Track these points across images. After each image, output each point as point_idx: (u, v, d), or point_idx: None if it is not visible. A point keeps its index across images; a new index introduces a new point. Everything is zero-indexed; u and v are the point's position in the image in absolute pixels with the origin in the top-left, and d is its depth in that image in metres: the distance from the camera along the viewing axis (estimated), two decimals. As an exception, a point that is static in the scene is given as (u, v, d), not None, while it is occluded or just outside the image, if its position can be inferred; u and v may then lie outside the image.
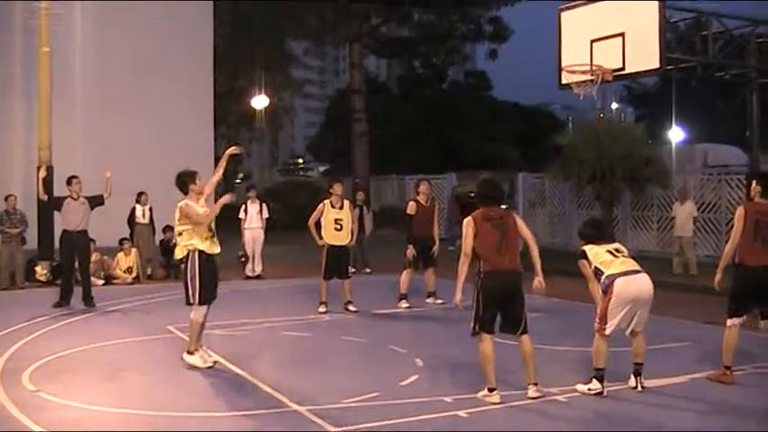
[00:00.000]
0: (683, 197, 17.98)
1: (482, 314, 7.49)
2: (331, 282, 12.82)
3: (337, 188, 12.89)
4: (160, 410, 7.26)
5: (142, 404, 7.44)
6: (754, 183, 8.67)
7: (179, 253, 9.16)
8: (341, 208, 12.78)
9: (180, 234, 9.01)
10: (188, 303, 9.05)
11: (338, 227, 12.70)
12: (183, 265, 9.24)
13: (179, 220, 8.94)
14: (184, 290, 9.03)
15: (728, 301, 8.36)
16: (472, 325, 7.57)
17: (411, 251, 13.32)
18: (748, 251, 8.20)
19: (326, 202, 12.80)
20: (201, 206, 9.07)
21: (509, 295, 7.51)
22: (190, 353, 8.99)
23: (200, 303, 8.96)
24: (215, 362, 9.05)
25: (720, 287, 8.44)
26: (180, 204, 8.98)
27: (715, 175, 20.39)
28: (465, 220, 7.63)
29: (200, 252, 8.92)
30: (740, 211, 8.40)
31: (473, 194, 10.27)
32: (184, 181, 9.15)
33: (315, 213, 12.78)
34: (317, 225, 12.80)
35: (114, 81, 23.34)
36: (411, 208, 13.50)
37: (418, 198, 13.58)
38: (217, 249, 9.15)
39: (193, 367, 8.87)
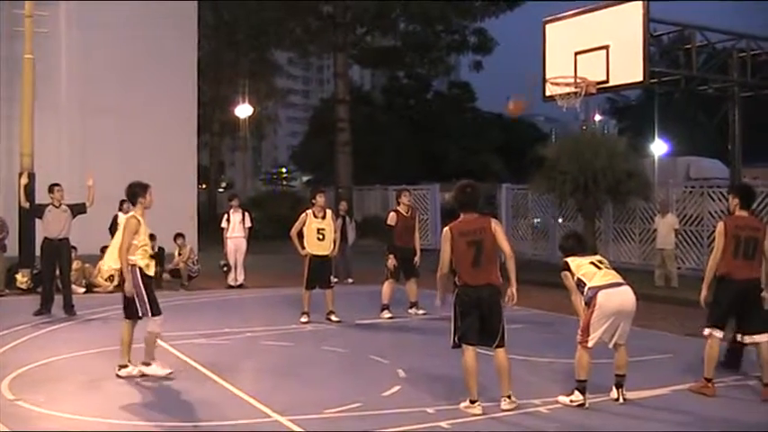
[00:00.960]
0: (663, 210, 18.06)
1: (460, 325, 7.47)
2: (314, 292, 12.79)
3: (320, 199, 12.86)
4: (140, 420, 7.22)
5: (122, 414, 7.40)
6: (731, 197, 8.76)
7: (115, 263, 9.01)
8: (323, 218, 12.76)
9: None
10: (135, 318, 8.90)
11: (320, 237, 12.69)
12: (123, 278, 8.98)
13: (124, 231, 8.80)
14: (131, 304, 8.85)
15: (709, 313, 8.39)
16: (451, 337, 7.56)
17: (392, 261, 13.33)
18: (730, 265, 8.25)
19: (309, 211, 12.78)
20: (144, 224, 8.95)
21: (485, 308, 7.45)
22: (146, 364, 8.85)
23: (154, 314, 8.87)
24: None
25: (706, 303, 8.46)
26: (130, 217, 8.88)
27: (697, 188, 20.49)
28: (443, 232, 7.61)
29: (140, 268, 8.84)
30: (720, 227, 8.46)
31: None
32: (135, 192, 9.05)
33: (297, 223, 12.76)
34: (300, 235, 12.78)
35: (98, 89, 23.26)
36: (391, 219, 13.52)
37: (399, 209, 13.59)
38: (152, 272, 9.09)
39: (176, 376, 8.83)
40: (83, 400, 7.97)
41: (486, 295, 7.45)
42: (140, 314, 8.87)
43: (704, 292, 8.46)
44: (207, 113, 38.85)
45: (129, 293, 8.80)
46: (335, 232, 13.24)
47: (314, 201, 12.90)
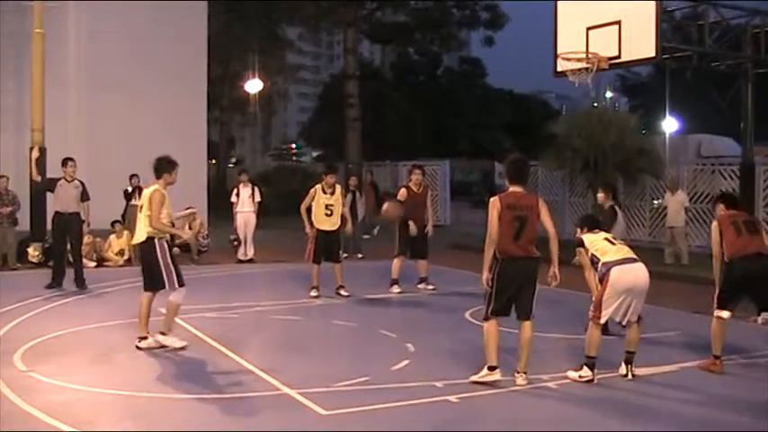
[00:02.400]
0: (673, 187, 18.00)
1: (496, 300, 7.49)
2: (324, 267, 12.82)
3: (329, 179, 12.84)
4: (150, 392, 7.27)
5: (133, 386, 7.44)
6: (717, 206, 8.94)
7: (142, 237, 9.07)
8: (332, 194, 12.77)
9: (148, 217, 8.90)
10: (155, 290, 9.03)
11: (328, 212, 12.71)
12: (143, 251, 9.14)
13: (151, 204, 8.86)
14: (152, 277, 8.95)
15: (719, 292, 8.38)
16: (485, 310, 7.57)
17: (413, 227, 13.29)
18: (734, 248, 8.25)
19: (318, 186, 12.82)
20: (168, 198, 9.07)
21: (523, 282, 7.50)
22: (163, 333, 9.00)
23: (181, 285, 9.00)
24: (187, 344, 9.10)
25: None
26: (155, 190, 8.94)
27: (708, 165, 20.41)
28: (490, 201, 7.58)
29: (167, 241, 9.03)
30: (714, 225, 8.59)
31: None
32: (163, 167, 9.11)
33: (307, 198, 12.77)
34: (308, 210, 12.80)
35: (107, 64, 23.20)
36: (402, 194, 13.53)
37: (410, 185, 13.58)
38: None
39: (181, 349, 8.94)
40: (93, 371, 8.03)
41: (525, 266, 7.49)
42: (166, 286, 8.95)
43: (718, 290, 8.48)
44: (216, 89, 38.78)
45: (161, 264, 8.86)
46: (344, 206, 13.26)
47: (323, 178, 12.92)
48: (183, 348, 8.93)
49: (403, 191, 13.61)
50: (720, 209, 8.73)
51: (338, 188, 12.98)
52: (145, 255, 9.08)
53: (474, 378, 7.55)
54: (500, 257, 7.47)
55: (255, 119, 53.61)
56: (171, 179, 9.14)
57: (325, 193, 12.74)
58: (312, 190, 12.82)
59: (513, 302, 7.56)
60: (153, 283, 9.02)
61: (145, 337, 8.99)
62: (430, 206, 13.99)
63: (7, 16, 21.51)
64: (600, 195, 10.35)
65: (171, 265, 8.94)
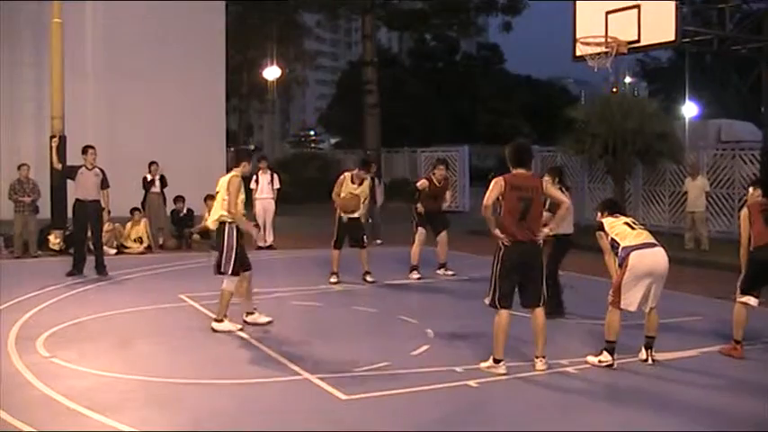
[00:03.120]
0: (694, 172, 17.90)
1: (501, 286, 7.44)
2: (344, 253, 12.85)
3: (361, 174, 12.88)
4: (171, 378, 7.31)
5: (154, 371, 7.49)
6: (752, 189, 8.85)
7: (214, 222, 9.32)
8: (359, 185, 12.79)
9: (225, 201, 9.17)
10: (218, 273, 9.27)
11: (352, 199, 12.78)
12: (215, 235, 9.44)
13: (229, 189, 9.10)
14: (218, 259, 9.23)
15: (742, 278, 8.35)
16: (490, 296, 7.53)
17: (420, 207, 13.38)
18: (762, 237, 8.22)
19: (347, 175, 12.88)
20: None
21: (528, 267, 7.48)
22: (218, 321, 9.21)
23: (232, 274, 9.21)
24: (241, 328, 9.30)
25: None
26: (234, 176, 9.22)
27: (728, 150, 20.27)
28: (494, 179, 7.53)
29: (237, 227, 9.22)
30: (744, 213, 8.52)
31: None
32: (241, 157, 9.68)
33: (336, 186, 12.79)
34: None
35: (126, 53, 23.26)
36: (422, 184, 13.57)
37: (433, 177, 13.60)
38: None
39: (207, 335, 9.00)
40: (114, 357, 8.08)
41: (529, 251, 7.47)
42: (221, 271, 9.21)
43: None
44: (235, 76, 38.85)
45: (215, 246, 9.28)
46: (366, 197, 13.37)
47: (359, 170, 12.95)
48: (240, 329, 9.17)
49: (424, 181, 13.63)
50: (756, 194, 8.63)
51: (366, 181, 13.00)
52: (215, 238, 9.40)
53: (482, 366, 7.54)
54: (504, 241, 7.44)
55: (274, 106, 53.72)
56: (248, 168, 9.58)
57: (353, 183, 12.78)
58: (341, 177, 12.90)
59: (521, 289, 7.53)
60: (234, 267, 9.26)
61: (251, 312, 9.46)
62: (448, 196, 13.97)
63: (26, 6, 21.60)
64: (545, 179, 10.21)
65: (233, 252, 9.15)
